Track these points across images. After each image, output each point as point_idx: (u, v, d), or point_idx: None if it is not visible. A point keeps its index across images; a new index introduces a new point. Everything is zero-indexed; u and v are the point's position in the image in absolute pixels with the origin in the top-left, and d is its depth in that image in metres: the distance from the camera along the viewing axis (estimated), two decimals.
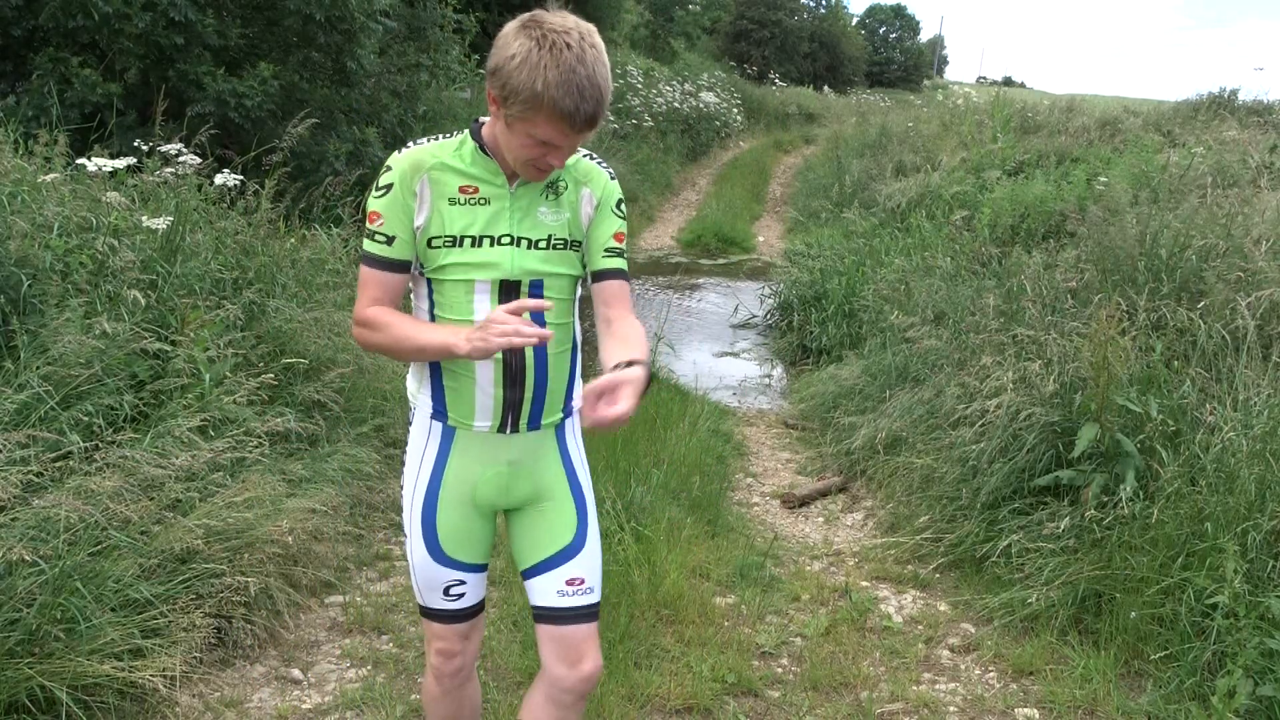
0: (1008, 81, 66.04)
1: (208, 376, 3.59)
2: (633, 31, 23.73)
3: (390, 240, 1.87)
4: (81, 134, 5.20)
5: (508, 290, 1.88)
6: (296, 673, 3.14)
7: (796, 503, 5.02)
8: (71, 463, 2.88)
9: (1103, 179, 7.55)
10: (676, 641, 3.36)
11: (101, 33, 5.60)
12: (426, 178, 1.85)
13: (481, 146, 1.87)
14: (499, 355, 1.85)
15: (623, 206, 1.99)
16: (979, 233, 7.23)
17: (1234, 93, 13.39)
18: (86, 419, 3.12)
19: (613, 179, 1.99)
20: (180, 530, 2.93)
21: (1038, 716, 3.07)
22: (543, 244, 1.89)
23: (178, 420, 3.30)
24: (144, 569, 2.83)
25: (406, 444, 2.06)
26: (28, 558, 2.47)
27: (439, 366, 1.94)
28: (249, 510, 3.20)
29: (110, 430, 3.15)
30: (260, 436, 3.50)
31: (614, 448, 4.49)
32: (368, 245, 1.89)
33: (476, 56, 10.95)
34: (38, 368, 3.10)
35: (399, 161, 1.86)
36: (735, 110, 23.02)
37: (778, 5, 36.49)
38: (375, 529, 4.13)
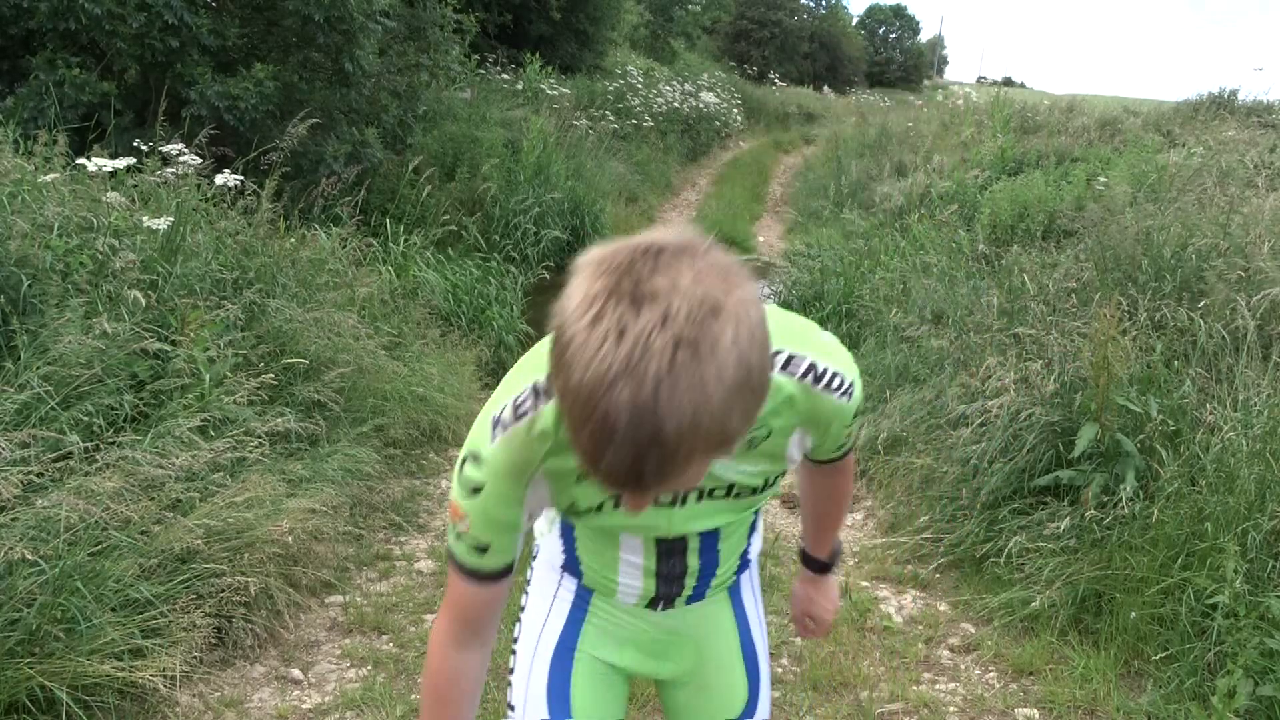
0: (1008, 82, 65.99)
1: (208, 376, 3.59)
2: (633, 31, 23.70)
3: (483, 549, 1.31)
4: (80, 134, 5.20)
5: (667, 546, 1.44)
6: (296, 673, 3.14)
7: (796, 503, 5.02)
8: (72, 463, 2.88)
9: (1102, 179, 7.56)
10: None
11: (97, 32, 5.59)
12: (540, 474, 1.28)
13: None
14: (652, 545, 1.44)
15: (858, 413, 1.41)
16: (976, 232, 7.24)
17: (1234, 93, 13.40)
18: (86, 419, 3.12)
19: (848, 400, 1.33)
20: (180, 530, 2.94)
21: (1038, 716, 3.07)
22: (719, 493, 1.37)
23: (178, 420, 3.30)
24: (144, 569, 2.83)
25: (528, 578, 1.64)
26: (28, 557, 2.47)
27: (570, 523, 1.49)
28: (249, 510, 3.21)
29: (110, 430, 3.15)
30: (260, 436, 3.50)
31: None
32: (453, 544, 1.33)
33: (476, 57, 10.97)
34: (38, 368, 3.10)
35: (492, 461, 1.25)
36: (735, 110, 22.98)
37: (778, 5, 36.48)
38: (375, 529, 4.12)
